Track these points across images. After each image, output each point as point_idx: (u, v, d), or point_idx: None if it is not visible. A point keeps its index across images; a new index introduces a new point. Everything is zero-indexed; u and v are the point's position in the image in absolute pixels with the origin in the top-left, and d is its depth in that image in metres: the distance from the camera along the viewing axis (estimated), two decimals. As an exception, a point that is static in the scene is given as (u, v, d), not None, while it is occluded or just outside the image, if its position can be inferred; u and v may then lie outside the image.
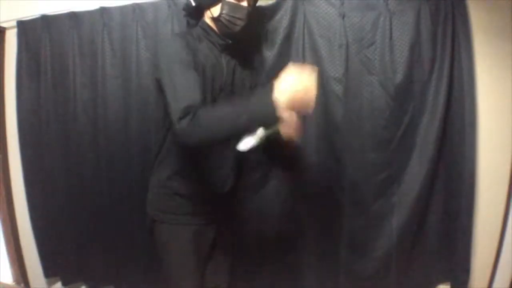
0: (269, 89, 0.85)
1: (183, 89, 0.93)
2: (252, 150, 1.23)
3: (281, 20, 1.38)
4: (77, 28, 1.57)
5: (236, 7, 1.07)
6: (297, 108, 0.86)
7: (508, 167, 1.38)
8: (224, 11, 1.07)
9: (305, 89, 0.85)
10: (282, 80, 0.86)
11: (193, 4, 1.14)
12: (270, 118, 0.85)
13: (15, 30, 1.69)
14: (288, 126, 0.98)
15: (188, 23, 1.24)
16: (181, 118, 0.88)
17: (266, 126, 0.87)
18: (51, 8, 1.62)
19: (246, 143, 0.91)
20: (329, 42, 1.37)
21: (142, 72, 1.49)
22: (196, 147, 0.96)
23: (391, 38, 1.32)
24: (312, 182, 1.43)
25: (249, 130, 0.86)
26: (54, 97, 1.64)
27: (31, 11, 1.64)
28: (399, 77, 1.33)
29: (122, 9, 1.52)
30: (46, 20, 1.61)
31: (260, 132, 0.91)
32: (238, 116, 0.86)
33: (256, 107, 0.87)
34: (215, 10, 1.08)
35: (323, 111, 1.40)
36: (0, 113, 1.81)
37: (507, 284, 1.39)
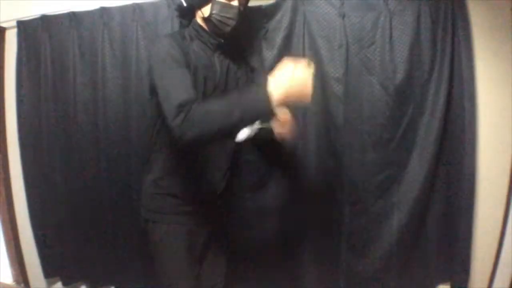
0: (264, 83, 0.85)
1: (175, 88, 0.92)
2: (250, 152, 1.25)
3: (281, 20, 1.38)
4: (77, 28, 1.57)
5: (226, 6, 1.07)
6: (293, 101, 0.86)
7: (508, 167, 1.38)
8: (214, 11, 1.06)
9: (301, 82, 0.85)
10: (277, 74, 0.86)
11: (184, 4, 1.14)
12: (264, 113, 0.86)
13: (15, 30, 1.69)
14: (282, 126, 1.00)
15: (181, 23, 1.24)
16: (175, 117, 0.86)
17: (259, 121, 0.88)
18: (51, 8, 1.62)
19: (242, 133, 0.98)
20: (329, 42, 1.37)
21: (142, 72, 1.49)
22: (192, 144, 0.92)
23: (391, 38, 1.32)
24: (312, 182, 1.43)
25: (243, 125, 0.86)
26: (54, 97, 1.64)
27: (31, 11, 1.64)
28: (399, 77, 1.33)
29: (122, 9, 1.52)
30: (46, 20, 1.61)
31: (255, 124, 0.97)
32: (232, 111, 0.84)
33: (250, 102, 0.86)
34: (206, 10, 1.08)
35: (323, 111, 1.40)
36: (0, 113, 1.81)
37: (507, 284, 1.39)
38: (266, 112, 0.85)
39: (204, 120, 0.85)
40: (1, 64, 1.78)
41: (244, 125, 0.87)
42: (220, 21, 1.07)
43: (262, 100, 0.84)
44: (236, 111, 0.84)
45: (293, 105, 0.88)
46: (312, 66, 0.90)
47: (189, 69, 0.99)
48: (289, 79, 0.85)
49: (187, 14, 1.17)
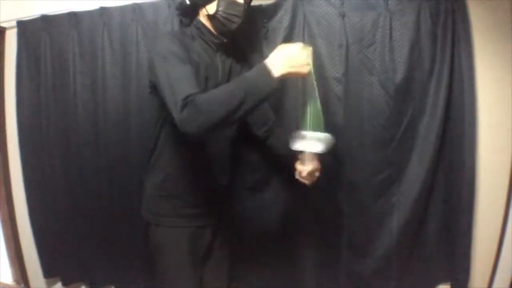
0: (263, 62, 0.89)
1: (179, 83, 0.91)
2: (251, 152, 1.24)
3: (281, 20, 1.38)
4: (77, 28, 1.57)
5: (232, 4, 1.07)
6: (293, 74, 0.91)
7: (508, 167, 1.38)
8: (220, 8, 1.06)
9: (298, 56, 0.90)
10: (274, 52, 0.90)
11: (188, 2, 1.13)
12: (266, 87, 0.87)
13: (15, 30, 1.69)
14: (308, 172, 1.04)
15: (181, 22, 1.23)
16: (181, 109, 0.86)
17: (264, 96, 0.89)
18: (51, 8, 1.62)
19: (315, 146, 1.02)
20: (329, 42, 1.37)
21: (142, 72, 1.49)
22: (199, 134, 0.90)
23: (391, 38, 1.32)
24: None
25: (248, 103, 0.86)
26: (54, 97, 1.64)
27: (31, 11, 1.64)
28: (399, 77, 1.33)
29: (122, 9, 1.51)
30: (46, 20, 1.61)
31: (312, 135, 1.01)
32: (235, 92, 0.85)
33: (250, 79, 0.88)
34: (211, 8, 1.07)
35: (323, 111, 1.39)
36: (0, 113, 1.81)
37: (507, 284, 1.39)
38: (267, 86, 0.87)
39: (210, 106, 0.86)
40: (1, 64, 1.78)
41: (249, 103, 0.86)
42: (226, 18, 1.07)
43: (262, 75, 0.87)
44: (238, 91, 0.85)
45: (294, 77, 0.93)
46: (309, 48, 0.95)
47: (191, 65, 0.98)
48: (286, 54, 0.89)
49: (188, 13, 1.17)
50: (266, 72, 0.86)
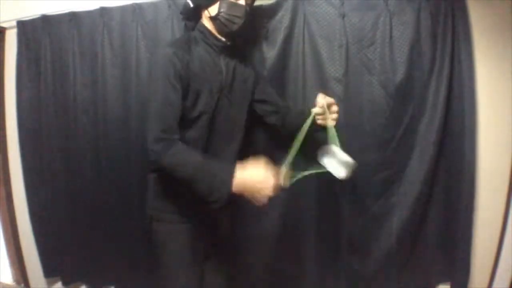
0: (232, 170, 0.97)
1: (161, 111, 0.99)
2: (253, 152, 1.24)
3: (282, 20, 1.38)
4: (77, 28, 1.57)
5: (234, 5, 1.09)
6: (248, 196, 0.99)
7: (508, 167, 1.38)
8: (222, 10, 1.08)
9: (262, 185, 0.97)
10: (247, 170, 0.98)
11: (191, 5, 1.15)
12: (219, 193, 0.97)
13: (15, 30, 1.69)
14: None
15: (185, 26, 1.24)
16: (155, 142, 0.97)
17: (213, 196, 0.98)
18: (51, 8, 1.62)
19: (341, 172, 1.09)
20: (329, 42, 1.37)
21: (142, 72, 1.50)
22: (160, 170, 1.05)
23: (391, 38, 1.32)
24: (312, 182, 1.43)
25: (197, 188, 0.98)
26: (54, 97, 1.64)
27: (31, 11, 1.65)
28: (399, 77, 1.33)
29: (122, 9, 1.52)
30: (46, 20, 1.61)
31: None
32: (196, 175, 0.97)
33: (213, 180, 0.97)
34: (213, 9, 1.09)
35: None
36: (0, 113, 1.81)
37: (507, 284, 1.39)
38: (220, 193, 0.97)
39: (178, 165, 0.99)
40: (1, 64, 1.79)
41: (198, 188, 0.98)
42: (227, 19, 1.09)
43: (223, 185, 0.96)
44: (199, 177, 0.97)
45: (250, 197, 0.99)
46: (288, 173, 1.04)
47: (184, 85, 1.03)
48: (253, 180, 0.97)
49: (193, 16, 1.18)
50: (227, 184, 0.95)
